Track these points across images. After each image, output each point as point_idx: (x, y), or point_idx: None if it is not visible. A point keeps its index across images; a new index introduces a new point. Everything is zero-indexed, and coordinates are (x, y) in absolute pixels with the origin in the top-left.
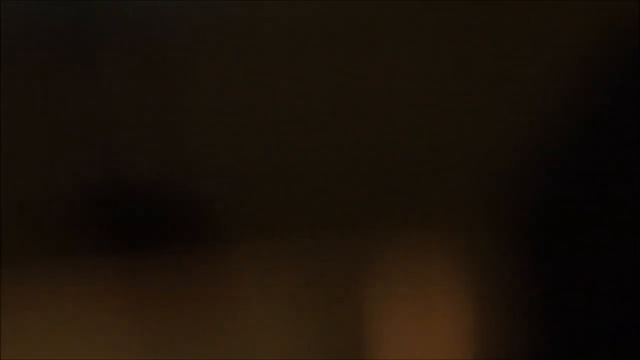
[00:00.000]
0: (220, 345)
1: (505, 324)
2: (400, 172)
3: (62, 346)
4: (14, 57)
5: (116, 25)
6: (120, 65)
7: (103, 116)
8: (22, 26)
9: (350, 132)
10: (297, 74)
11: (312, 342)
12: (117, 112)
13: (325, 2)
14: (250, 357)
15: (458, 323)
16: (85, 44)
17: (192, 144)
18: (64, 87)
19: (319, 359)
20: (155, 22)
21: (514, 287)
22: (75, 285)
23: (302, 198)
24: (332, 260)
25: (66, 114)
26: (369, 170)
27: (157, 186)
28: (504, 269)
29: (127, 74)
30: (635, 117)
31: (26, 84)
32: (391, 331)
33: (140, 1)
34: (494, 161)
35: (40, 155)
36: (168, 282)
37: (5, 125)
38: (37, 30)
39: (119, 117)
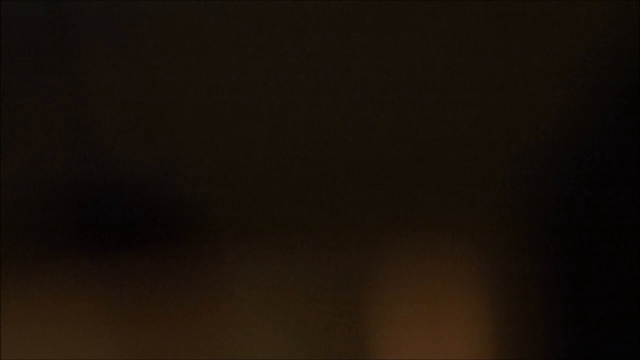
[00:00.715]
0: (215, 347)
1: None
2: (404, 171)
3: (62, 346)
4: (7, 56)
5: (107, 22)
6: (113, 65)
7: (95, 117)
8: (18, 25)
9: (351, 131)
10: (295, 71)
11: (313, 344)
12: (109, 112)
13: (326, 2)
14: (248, 359)
15: (464, 323)
16: (75, 41)
17: (184, 144)
18: (60, 87)
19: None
20: (147, 18)
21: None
22: (71, 285)
23: (301, 198)
24: (333, 260)
25: (59, 115)
26: (370, 169)
27: (151, 187)
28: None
29: (119, 74)
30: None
31: (26, 83)
32: (395, 332)
33: None
34: (500, 161)
35: (34, 155)
36: (163, 283)
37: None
38: (29, 29)
39: (110, 117)
